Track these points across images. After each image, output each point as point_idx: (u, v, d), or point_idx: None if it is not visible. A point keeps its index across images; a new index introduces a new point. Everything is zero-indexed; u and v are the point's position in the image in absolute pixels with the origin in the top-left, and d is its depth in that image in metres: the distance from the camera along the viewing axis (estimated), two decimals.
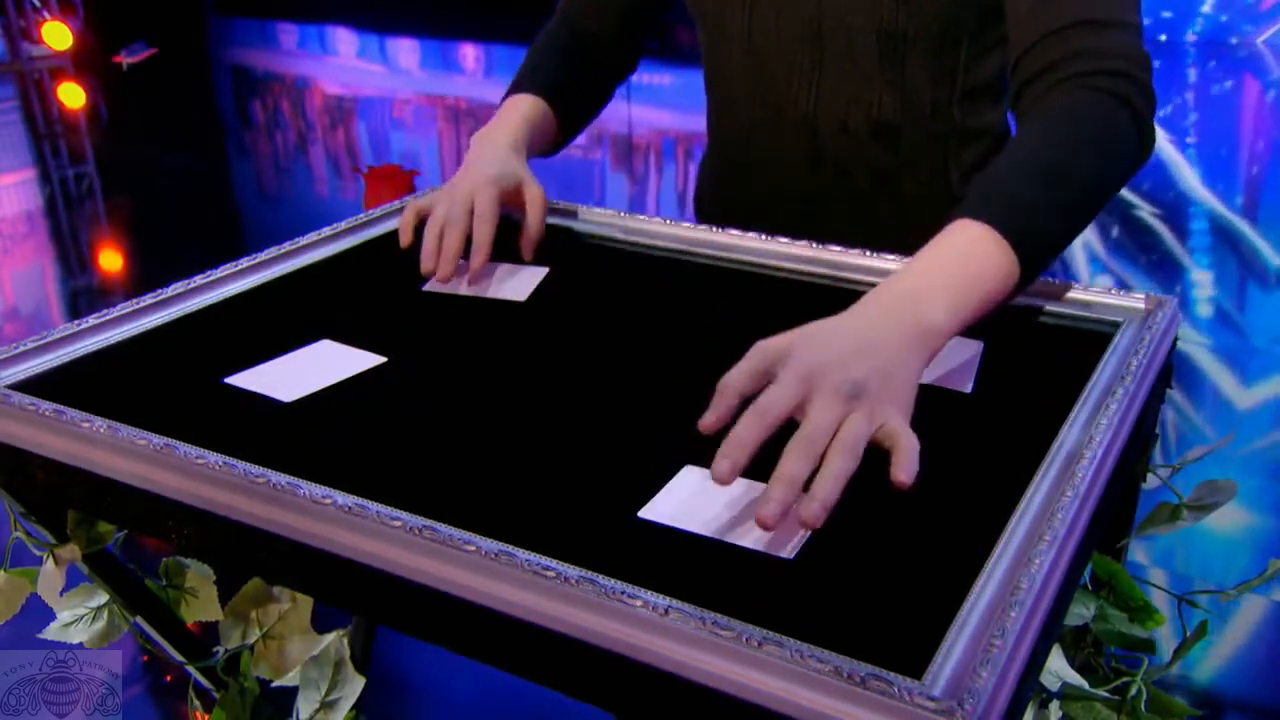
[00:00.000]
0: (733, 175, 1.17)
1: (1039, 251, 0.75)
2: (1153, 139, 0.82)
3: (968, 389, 0.82)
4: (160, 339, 0.93)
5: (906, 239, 1.09)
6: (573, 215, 1.18)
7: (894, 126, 1.06)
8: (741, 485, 0.67)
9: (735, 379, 0.68)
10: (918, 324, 0.69)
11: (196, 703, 1.01)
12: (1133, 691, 0.77)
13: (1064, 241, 0.78)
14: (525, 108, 1.13)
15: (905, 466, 0.63)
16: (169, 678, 1.90)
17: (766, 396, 0.65)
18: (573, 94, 1.19)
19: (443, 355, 0.91)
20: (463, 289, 1.01)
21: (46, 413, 0.77)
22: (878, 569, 0.63)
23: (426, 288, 1.02)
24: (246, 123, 6.09)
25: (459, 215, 1.01)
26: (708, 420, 0.67)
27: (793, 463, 0.62)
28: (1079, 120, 0.80)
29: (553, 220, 1.17)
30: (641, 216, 1.14)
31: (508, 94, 1.16)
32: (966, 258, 0.73)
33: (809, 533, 0.63)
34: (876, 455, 0.74)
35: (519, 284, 1.02)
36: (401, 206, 1.20)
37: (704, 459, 0.73)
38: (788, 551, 0.63)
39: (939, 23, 1.00)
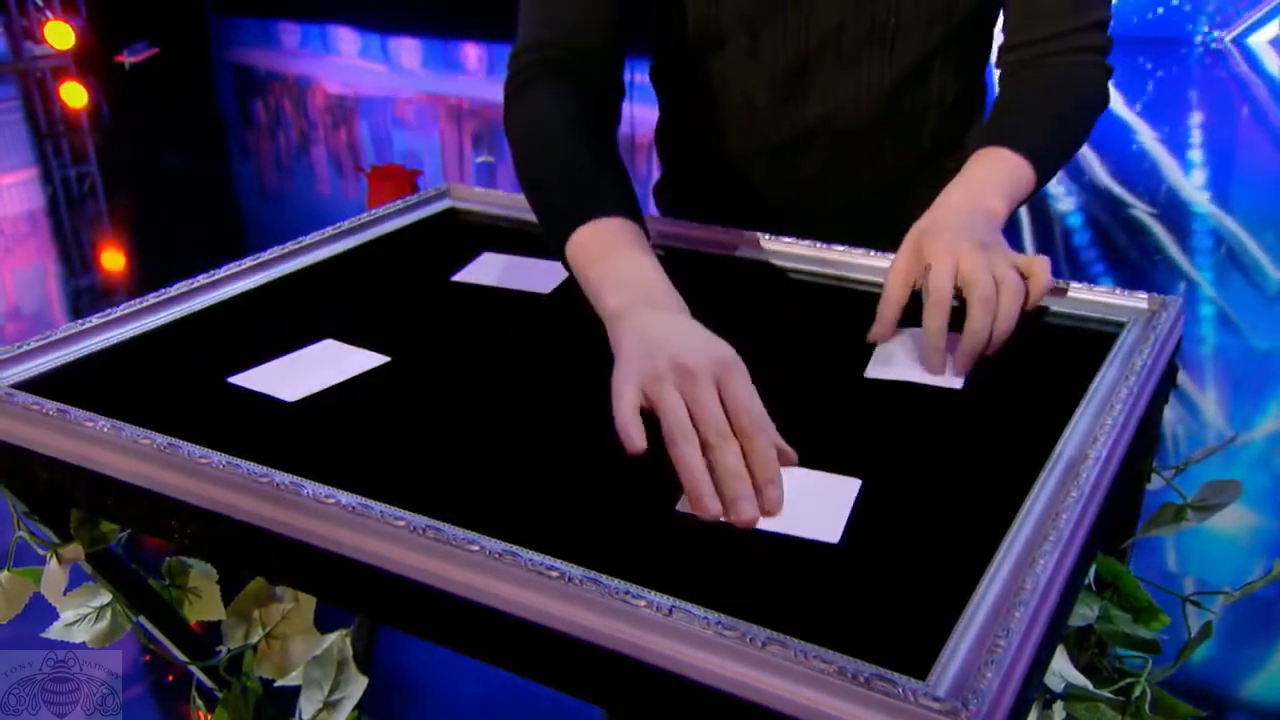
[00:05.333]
0: (737, 175, 1.16)
1: (1045, 159, 0.97)
2: (1108, 96, 1.05)
3: (958, 385, 0.82)
4: (163, 338, 0.93)
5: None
6: None
7: (917, 120, 1.07)
8: None
9: (898, 284, 0.87)
10: (987, 211, 0.90)
11: (199, 702, 1.01)
12: (1137, 692, 0.77)
13: (1061, 155, 1.02)
14: (641, 250, 0.84)
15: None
16: (171, 677, 1.90)
17: (934, 281, 0.83)
18: (628, 181, 0.91)
19: (446, 354, 0.91)
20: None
21: (50, 412, 0.77)
22: (882, 569, 0.63)
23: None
24: (249, 122, 6.10)
25: (719, 421, 0.69)
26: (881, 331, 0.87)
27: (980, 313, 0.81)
28: (1058, 81, 1.02)
29: None
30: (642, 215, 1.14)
31: (579, 217, 0.85)
32: (1000, 166, 0.95)
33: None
34: (886, 455, 0.74)
35: None
36: (402, 206, 1.19)
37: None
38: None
39: (958, 21, 1.01)
